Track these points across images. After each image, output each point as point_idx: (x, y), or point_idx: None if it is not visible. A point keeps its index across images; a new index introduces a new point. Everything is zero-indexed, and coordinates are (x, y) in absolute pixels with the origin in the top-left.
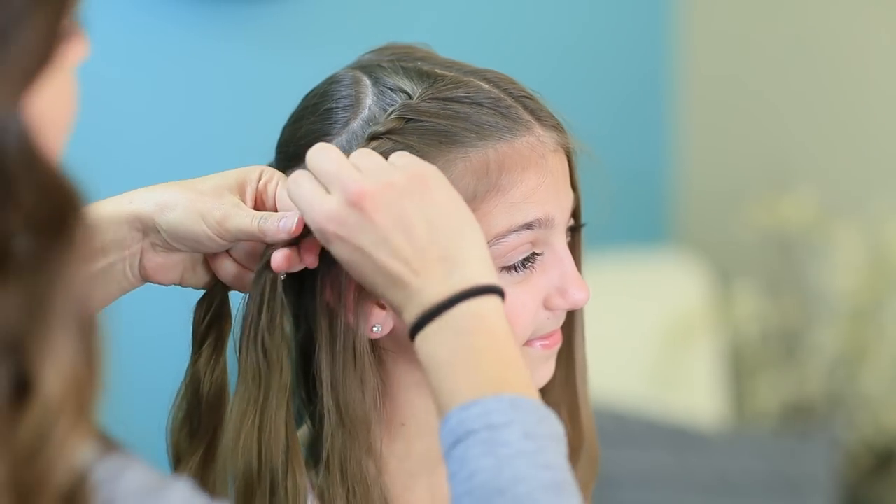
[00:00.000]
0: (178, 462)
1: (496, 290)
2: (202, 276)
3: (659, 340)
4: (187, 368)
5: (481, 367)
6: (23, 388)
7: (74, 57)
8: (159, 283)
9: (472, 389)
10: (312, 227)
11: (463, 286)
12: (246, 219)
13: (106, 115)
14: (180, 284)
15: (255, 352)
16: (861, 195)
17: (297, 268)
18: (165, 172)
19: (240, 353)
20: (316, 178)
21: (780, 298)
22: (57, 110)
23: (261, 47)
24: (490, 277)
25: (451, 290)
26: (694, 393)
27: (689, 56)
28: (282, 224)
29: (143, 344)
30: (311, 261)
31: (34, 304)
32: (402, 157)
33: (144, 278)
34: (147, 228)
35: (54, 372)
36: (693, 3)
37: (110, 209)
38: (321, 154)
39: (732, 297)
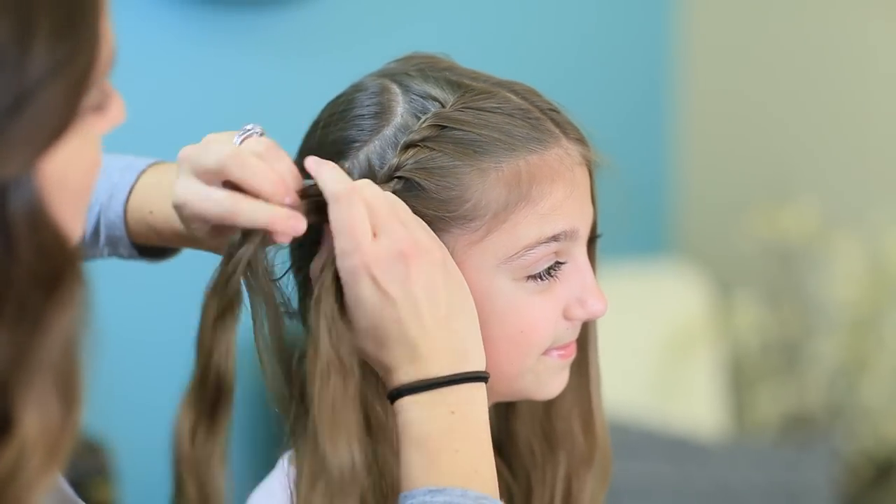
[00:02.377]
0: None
1: (486, 379)
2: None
3: (659, 351)
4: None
5: (460, 454)
6: (3, 423)
7: (103, 125)
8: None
9: (443, 475)
10: (350, 261)
11: (467, 368)
12: (259, 212)
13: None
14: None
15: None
16: (861, 206)
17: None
18: None
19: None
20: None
21: (781, 309)
22: (72, 174)
23: (268, 55)
24: (484, 364)
25: (455, 368)
26: (694, 403)
27: (690, 68)
28: (294, 226)
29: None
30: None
31: (22, 352)
32: (419, 222)
33: None
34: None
35: (33, 418)
36: (693, 16)
37: (135, 214)
38: (373, 191)
39: (733, 308)
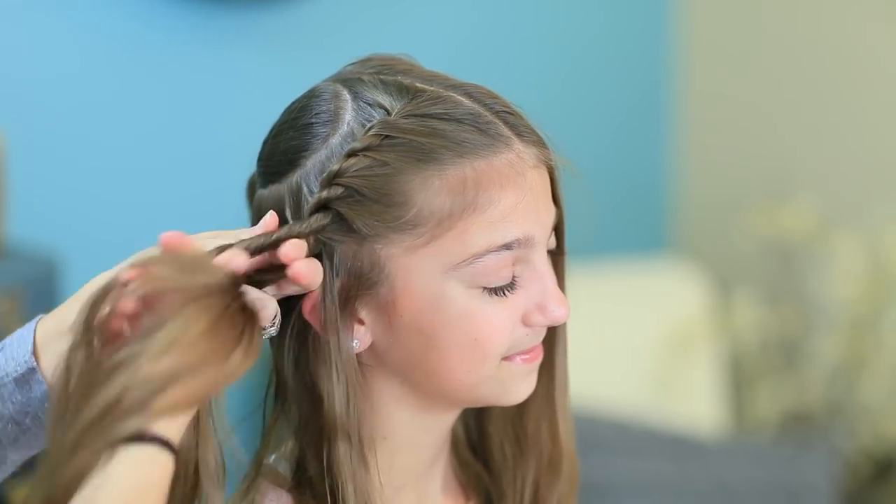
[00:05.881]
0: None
1: None
2: None
3: (659, 349)
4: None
5: None
6: None
7: None
8: None
9: None
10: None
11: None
12: (222, 257)
13: (105, 121)
14: None
15: None
16: (860, 204)
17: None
18: (165, 178)
19: None
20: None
21: (780, 307)
22: None
23: (260, 54)
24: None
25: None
26: (694, 401)
27: (689, 67)
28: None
29: None
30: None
31: None
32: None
33: None
34: None
35: None
36: (692, 16)
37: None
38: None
39: (732, 306)
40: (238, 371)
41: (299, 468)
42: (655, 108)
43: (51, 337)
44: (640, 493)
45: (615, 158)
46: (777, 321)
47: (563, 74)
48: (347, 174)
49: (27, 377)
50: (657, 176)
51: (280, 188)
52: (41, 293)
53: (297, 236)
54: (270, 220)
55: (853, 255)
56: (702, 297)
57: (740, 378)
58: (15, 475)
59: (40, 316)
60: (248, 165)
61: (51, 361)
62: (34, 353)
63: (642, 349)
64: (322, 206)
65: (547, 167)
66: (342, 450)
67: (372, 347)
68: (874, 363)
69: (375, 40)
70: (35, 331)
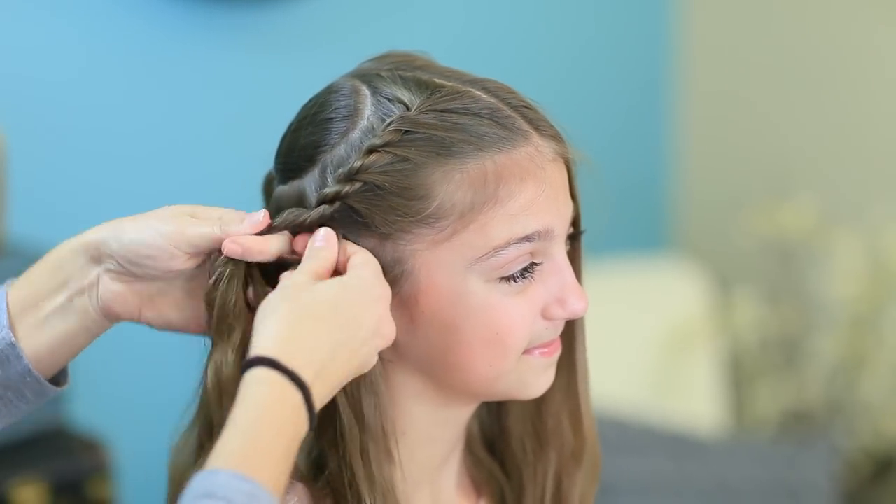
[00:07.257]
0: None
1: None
2: (161, 312)
3: (659, 347)
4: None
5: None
6: None
7: None
8: (119, 317)
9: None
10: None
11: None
12: (206, 225)
13: (105, 120)
14: (139, 320)
15: None
16: (860, 203)
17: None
18: (165, 177)
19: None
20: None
21: (780, 306)
22: None
23: (261, 53)
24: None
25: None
26: (693, 400)
27: (690, 66)
28: (248, 219)
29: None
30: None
31: None
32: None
33: (105, 312)
34: (101, 255)
35: None
36: (692, 18)
37: (68, 244)
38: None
39: (732, 305)
40: None
41: (315, 459)
42: (655, 107)
43: (27, 308)
44: (639, 491)
45: (615, 157)
46: (777, 319)
47: (563, 73)
48: (368, 170)
49: (6, 353)
50: (657, 174)
51: (300, 184)
52: None
53: (301, 225)
54: (263, 218)
55: (853, 253)
56: (702, 295)
57: (740, 376)
58: (15, 475)
59: (9, 282)
60: (252, 165)
61: (29, 333)
62: (10, 326)
63: (642, 347)
64: (332, 199)
65: (564, 161)
66: (361, 442)
67: (392, 342)
68: (874, 362)
69: (376, 40)
70: (7, 302)
